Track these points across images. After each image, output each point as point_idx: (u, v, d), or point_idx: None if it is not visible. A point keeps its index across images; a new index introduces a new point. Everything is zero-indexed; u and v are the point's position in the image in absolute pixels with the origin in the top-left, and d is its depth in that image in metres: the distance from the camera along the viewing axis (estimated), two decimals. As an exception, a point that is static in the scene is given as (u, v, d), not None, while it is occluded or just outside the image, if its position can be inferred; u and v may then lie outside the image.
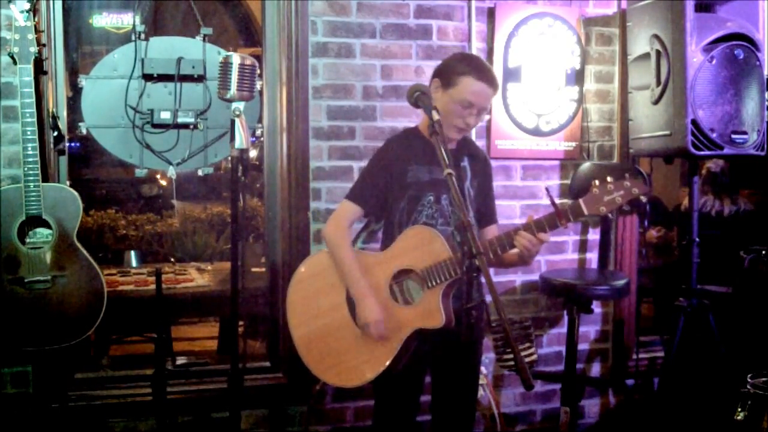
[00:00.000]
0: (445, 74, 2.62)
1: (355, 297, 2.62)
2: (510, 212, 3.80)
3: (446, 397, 2.75)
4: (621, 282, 3.56)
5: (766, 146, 3.42)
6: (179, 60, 3.14)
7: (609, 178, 2.37)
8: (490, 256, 2.47)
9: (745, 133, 3.34)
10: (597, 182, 2.38)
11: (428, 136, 2.69)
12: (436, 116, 2.43)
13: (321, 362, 2.70)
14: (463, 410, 2.74)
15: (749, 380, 2.78)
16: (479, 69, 2.59)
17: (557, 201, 2.43)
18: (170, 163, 3.19)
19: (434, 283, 2.52)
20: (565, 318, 3.70)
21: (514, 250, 2.49)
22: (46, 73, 3.17)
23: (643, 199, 2.35)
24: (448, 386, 2.74)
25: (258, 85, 2.61)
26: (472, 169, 2.71)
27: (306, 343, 2.73)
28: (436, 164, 2.64)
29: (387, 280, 2.61)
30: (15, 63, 2.92)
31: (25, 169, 2.87)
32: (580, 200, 2.40)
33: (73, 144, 4.89)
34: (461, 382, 2.73)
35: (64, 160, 3.31)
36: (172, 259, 5.67)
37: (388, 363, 2.57)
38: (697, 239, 3.51)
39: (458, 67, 2.61)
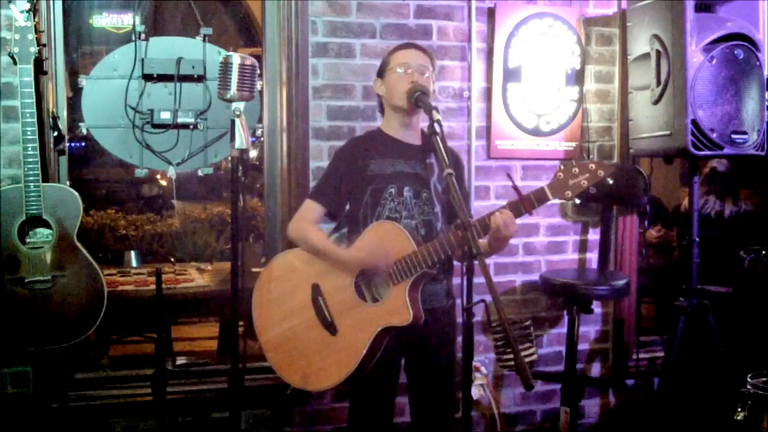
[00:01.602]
0: (379, 70, 2.76)
1: (344, 265, 2.59)
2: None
3: (422, 397, 2.73)
4: (621, 282, 3.56)
5: (766, 146, 3.42)
6: (179, 60, 3.14)
7: (573, 162, 2.37)
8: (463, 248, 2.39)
9: (745, 133, 3.34)
10: (562, 166, 2.38)
11: (392, 134, 2.72)
12: (436, 116, 2.44)
13: (289, 365, 2.67)
14: (439, 411, 2.72)
15: (749, 380, 2.78)
16: (400, 45, 2.77)
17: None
18: (170, 163, 3.19)
19: (400, 279, 2.50)
20: (565, 318, 3.70)
21: (482, 240, 2.48)
22: (46, 73, 3.17)
23: (609, 181, 2.35)
24: (423, 387, 2.72)
25: (258, 85, 2.61)
26: (439, 165, 2.67)
27: (273, 347, 2.70)
28: (400, 158, 2.67)
29: (352, 277, 2.59)
30: (15, 63, 2.92)
31: (26, 169, 2.87)
32: (545, 186, 2.39)
33: (73, 144, 4.89)
34: (436, 383, 2.71)
35: (64, 160, 3.31)
36: (172, 259, 5.67)
37: (356, 365, 2.53)
38: (697, 239, 3.51)
39: (384, 57, 2.75)
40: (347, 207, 2.76)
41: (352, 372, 2.54)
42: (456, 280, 2.71)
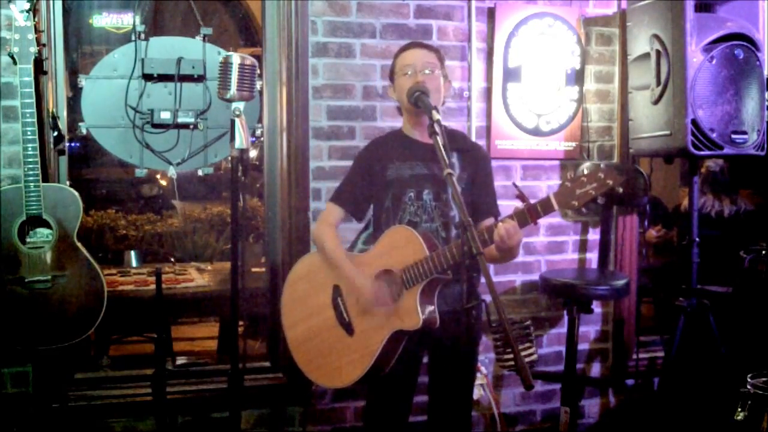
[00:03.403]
0: (390, 75, 2.76)
1: (347, 280, 2.65)
2: (510, 212, 3.79)
3: (442, 398, 2.74)
4: (621, 282, 3.56)
5: (766, 146, 3.42)
6: (179, 60, 3.14)
7: (584, 170, 2.32)
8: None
9: (745, 133, 3.34)
10: (570, 175, 2.34)
11: (411, 135, 2.72)
12: (436, 116, 2.44)
13: (310, 363, 2.75)
14: (458, 411, 2.73)
15: (749, 380, 2.77)
16: (404, 46, 2.77)
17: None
18: (170, 163, 3.18)
19: (412, 284, 2.51)
20: (565, 318, 3.70)
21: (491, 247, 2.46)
22: (46, 73, 3.17)
23: (619, 190, 2.29)
24: (444, 387, 2.72)
25: (258, 85, 2.61)
26: (461, 163, 2.68)
27: (297, 344, 2.79)
28: (418, 161, 2.67)
29: (371, 279, 2.61)
30: (15, 63, 2.92)
31: (26, 169, 2.87)
32: (551, 195, 2.33)
33: (73, 144, 4.89)
34: (456, 384, 2.71)
35: (64, 160, 3.31)
36: (172, 259, 5.67)
37: (369, 366, 2.57)
38: (697, 239, 3.51)
39: (393, 61, 2.75)
40: (372, 209, 2.78)
41: (365, 372, 2.58)
42: (481, 279, 2.66)
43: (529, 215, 2.36)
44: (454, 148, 2.63)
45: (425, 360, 2.81)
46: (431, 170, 2.66)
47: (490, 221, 2.69)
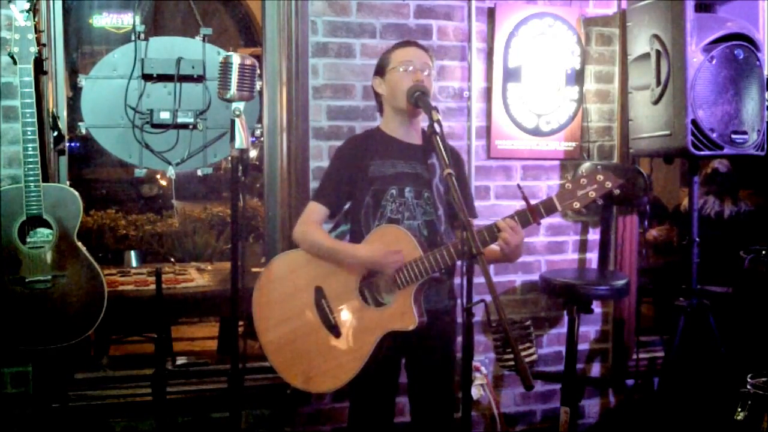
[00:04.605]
0: (378, 67, 2.73)
1: (352, 262, 2.57)
2: (510, 212, 3.79)
3: (422, 396, 2.72)
4: (621, 282, 3.56)
5: (766, 146, 3.43)
6: (179, 60, 3.14)
7: (582, 171, 2.34)
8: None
9: (745, 133, 3.34)
10: (569, 176, 2.36)
11: (392, 134, 2.71)
12: (436, 116, 2.43)
13: (291, 367, 2.66)
14: (440, 409, 2.71)
15: (749, 380, 2.78)
16: (401, 42, 2.77)
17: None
18: (170, 163, 3.18)
19: (406, 284, 2.49)
20: (565, 318, 3.70)
21: (494, 246, 2.46)
22: (46, 73, 3.17)
23: (617, 192, 2.31)
24: (424, 385, 2.71)
25: (258, 85, 2.61)
26: (440, 165, 2.64)
27: (275, 348, 2.69)
28: (400, 158, 2.66)
29: (356, 281, 2.58)
30: (15, 63, 2.92)
31: (26, 169, 2.87)
32: (553, 196, 2.37)
33: (73, 144, 4.90)
34: (436, 381, 2.70)
35: (64, 160, 3.31)
36: (172, 259, 5.68)
37: (360, 368, 2.53)
38: (697, 239, 3.51)
39: (384, 55, 2.73)
40: (347, 206, 2.75)
41: (355, 375, 2.54)
42: (456, 280, 2.71)
43: (531, 216, 2.37)
44: (432, 149, 2.60)
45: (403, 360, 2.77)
46: (414, 169, 2.66)
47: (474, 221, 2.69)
